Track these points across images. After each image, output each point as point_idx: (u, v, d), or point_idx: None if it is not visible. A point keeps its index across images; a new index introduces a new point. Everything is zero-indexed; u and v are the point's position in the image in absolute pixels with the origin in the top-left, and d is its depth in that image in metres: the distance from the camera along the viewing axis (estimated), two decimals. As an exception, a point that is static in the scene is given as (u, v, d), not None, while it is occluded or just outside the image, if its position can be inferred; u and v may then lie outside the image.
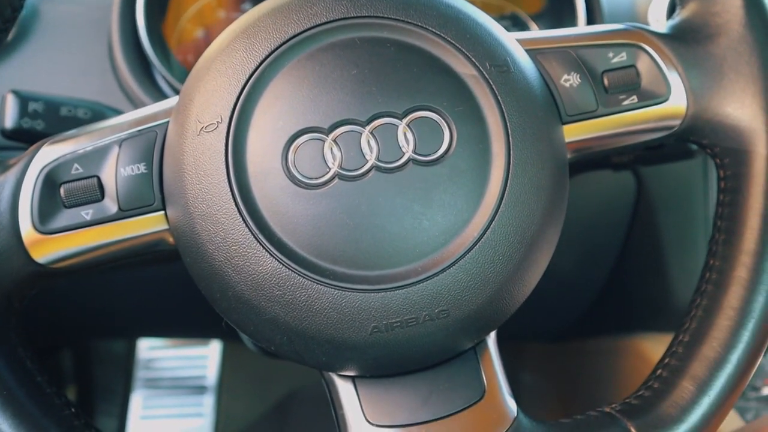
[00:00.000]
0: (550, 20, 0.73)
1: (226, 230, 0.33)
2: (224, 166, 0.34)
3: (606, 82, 0.39)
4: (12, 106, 0.49)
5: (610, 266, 0.77)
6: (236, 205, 0.33)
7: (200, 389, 1.18)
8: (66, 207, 0.36)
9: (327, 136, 0.34)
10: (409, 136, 0.34)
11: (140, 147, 0.36)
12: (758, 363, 0.37)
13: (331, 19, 0.35)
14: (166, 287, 0.78)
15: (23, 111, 0.49)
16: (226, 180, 0.33)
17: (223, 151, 0.34)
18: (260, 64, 0.35)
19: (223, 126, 0.34)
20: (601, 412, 0.38)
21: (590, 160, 0.42)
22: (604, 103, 0.39)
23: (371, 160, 0.34)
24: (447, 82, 0.35)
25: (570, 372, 1.04)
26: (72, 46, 0.64)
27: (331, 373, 0.38)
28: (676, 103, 0.40)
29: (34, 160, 0.36)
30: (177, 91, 0.63)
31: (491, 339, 0.39)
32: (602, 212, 0.74)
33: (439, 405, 0.37)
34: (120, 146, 0.36)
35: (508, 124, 0.35)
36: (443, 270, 0.33)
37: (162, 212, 0.36)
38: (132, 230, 0.36)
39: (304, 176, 0.34)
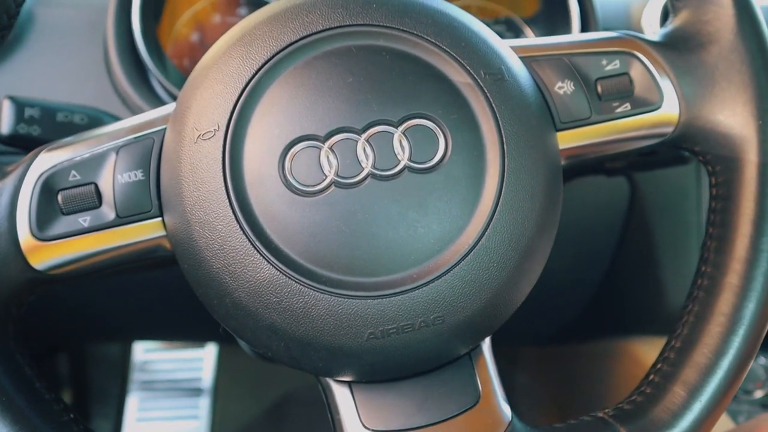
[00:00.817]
0: (545, 25, 0.73)
1: (224, 237, 0.34)
2: (221, 174, 0.34)
3: (599, 89, 0.40)
4: (8, 112, 0.49)
5: (604, 270, 0.78)
6: (233, 212, 0.34)
7: (196, 392, 1.18)
8: (64, 214, 0.36)
9: (323, 143, 0.34)
10: (405, 143, 0.34)
11: (137, 154, 0.37)
12: (748, 368, 0.38)
13: (327, 27, 0.35)
14: (162, 290, 0.78)
15: (19, 117, 0.49)
16: (224, 187, 0.34)
17: (220, 159, 0.34)
18: (257, 72, 0.35)
19: (220, 134, 0.34)
20: (594, 417, 0.39)
21: (584, 166, 0.42)
22: (598, 111, 0.39)
23: (367, 167, 0.34)
24: (442, 90, 0.35)
25: (564, 375, 1.04)
26: (67, 51, 0.64)
27: (327, 379, 0.38)
28: (669, 110, 0.40)
29: (31, 167, 0.37)
30: (173, 96, 0.63)
31: (486, 344, 0.39)
32: (596, 217, 0.74)
33: (434, 410, 0.37)
34: (117, 153, 0.37)
35: (502, 131, 0.35)
36: (438, 277, 0.34)
37: (159, 219, 0.36)
38: (129, 237, 0.37)
39: (300, 184, 0.34)
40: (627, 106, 0.40)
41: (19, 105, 0.49)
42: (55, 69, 0.63)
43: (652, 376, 0.39)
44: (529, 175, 0.35)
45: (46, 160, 0.37)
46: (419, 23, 0.36)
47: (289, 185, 0.34)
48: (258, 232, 0.34)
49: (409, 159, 0.34)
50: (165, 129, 0.37)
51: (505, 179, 0.35)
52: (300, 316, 0.33)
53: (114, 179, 0.36)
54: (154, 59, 0.63)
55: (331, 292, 0.33)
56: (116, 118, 0.56)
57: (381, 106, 0.34)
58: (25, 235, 0.36)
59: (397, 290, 0.33)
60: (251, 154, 0.34)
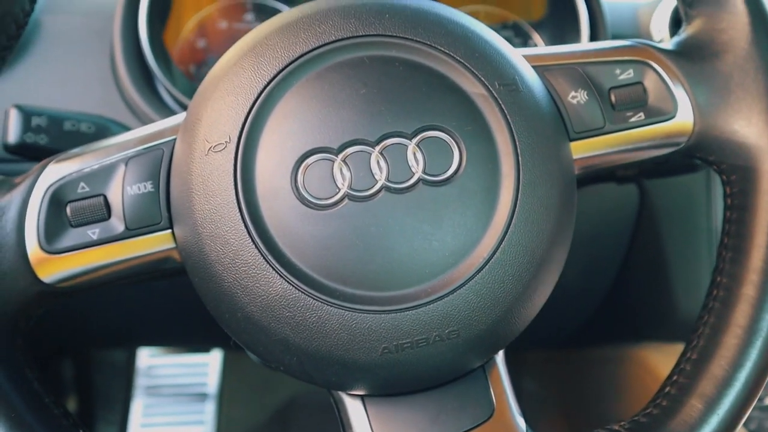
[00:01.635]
0: (552, 29, 0.73)
1: (235, 251, 0.33)
2: (233, 187, 0.34)
3: (613, 98, 0.39)
4: (15, 121, 0.49)
5: (613, 276, 0.78)
6: (245, 225, 0.33)
7: (201, 396, 1.18)
8: (72, 226, 0.36)
9: (336, 156, 0.34)
10: (419, 156, 0.34)
11: (147, 165, 0.36)
12: (766, 381, 0.37)
13: (340, 38, 0.35)
14: (167, 297, 0.78)
15: (26, 126, 0.49)
16: (235, 200, 0.33)
17: (232, 172, 0.34)
18: (268, 83, 0.35)
19: (232, 146, 0.34)
20: (610, 429, 0.38)
21: (597, 175, 0.42)
22: (612, 120, 0.39)
23: (381, 180, 0.34)
24: (456, 102, 0.35)
25: (573, 380, 1.04)
26: (74, 58, 0.64)
27: (340, 392, 0.38)
28: (683, 120, 0.40)
29: (40, 179, 0.36)
30: (179, 102, 0.63)
31: (500, 357, 0.39)
32: (606, 223, 0.74)
33: (448, 424, 0.37)
34: (126, 164, 0.36)
35: (517, 143, 0.35)
36: (453, 291, 0.33)
37: (169, 231, 0.36)
38: (139, 249, 0.36)
39: (313, 197, 0.34)
40: (641, 116, 0.39)
41: (26, 114, 0.49)
42: (62, 76, 0.63)
43: (668, 389, 0.39)
44: (544, 187, 0.35)
45: (54, 172, 0.36)
46: (433, 33, 0.36)
47: (301, 198, 0.34)
48: (270, 245, 0.33)
49: (424, 171, 0.34)
50: (174, 140, 0.37)
51: (520, 191, 0.34)
52: (313, 330, 0.33)
53: (123, 191, 0.36)
54: (160, 66, 0.62)
55: (345, 306, 0.33)
56: (123, 126, 0.56)
57: (394, 117, 0.34)
58: (33, 248, 0.35)
59: (412, 304, 0.33)
60: (263, 166, 0.34)
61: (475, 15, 0.74)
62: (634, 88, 0.40)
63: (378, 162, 0.34)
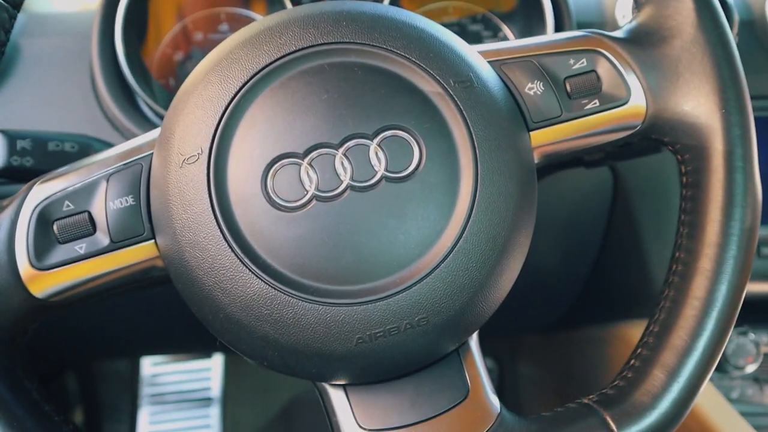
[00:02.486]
0: (521, 21, 0.74)
1: (214, 256, 0.35)
2: (207, 196, 0.35)
3: (568, 87, 0.41)
4: (0, 146, 0.51)
5: (593, 258, 0.79)
6: (221, 231, 0.35)
7: (205, 401, 1.19)
8: (60, 242, 0.37)
9: (302, 160, 0.36)
10: (381, 155, 0.36)
11: (127, 180, 0.38)
12: (723, 348, 0.39)
13: (300, 47, 0.37)
14: (165, 306, 0.80)
15: (12, 149, 0.51)
16: (210, 208, 0.35)
17: (206, 181, 0.35)
18: (235, 95, 0.36)
19: (204, 157, 0.36)
20: (579, 403, 0.40)
21: (560, 161, 0.43)
22: (568, 108, 0.41)
23: (346, 180, 0.36)
24: (414, 101, 0.37)
25: (563, 361, 1.06)
26: (55, 79, 0.65)
27: (323, 383, 0.39)
28: (636, 104, 0.41)
29: (26, 200, 0.38)
30: (160, 116, 0.64)
31: (473, 340, 0.41)
32: (582, 207, 0.75)
33: (426, 406, 0.38)
34: (108, 181, 0.38)
35: (474, 137, 0.36)
36: (420, 280, 0.35)
37: (152, 241, 0.38)
38: (124, 261, 0.38)
39: (283, 200, 0.35)
40: (596, 103, 0.41)
41: (11, 138, 0.51)
42: (43, 98, 0.64)
43: (633, 361, 0.40)
44: (502, 176, 0.36)
45: (40, 192, 0.38)
46: (388, 37, 0.37)
47: (272, 202, 0.35)
48: (246, 249, 0.35)
49: (386, 169, 0.36)
50: (152, 154, 0.38)
51: (479, 182, 0.36)
52: (291, 326, 0.35)
53: (106, 206, 0.37)
54: (139, 81, 0.64)
55: (319, 301, 0.35)
56: (106, 143, 0.58)
57: (355, 120, 0.36)
58: (24, 266, 0.37)
59: (382, 295, 0.35)
60: (234, 174, 0.36)
61: (444, 10, 0.75)
62: (587, 76, 0.41)
63: (342, 163, 0.36)
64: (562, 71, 0.41)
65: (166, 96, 0.69)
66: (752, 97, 0.41)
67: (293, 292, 0.35)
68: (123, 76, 0.64)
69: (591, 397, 0.40)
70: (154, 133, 0.40)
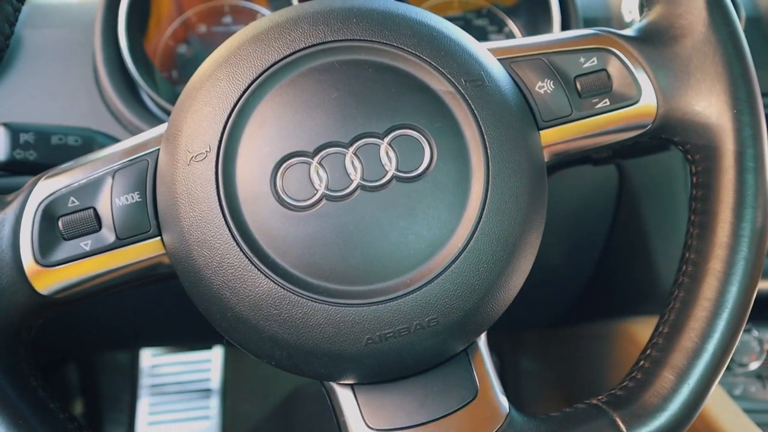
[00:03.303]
0: (526, 14, 0.74)
1: (222, 255, 0.35)
2: (215, 194, 0.35)
3: (579, 86, 0.40)
4: (4, 139, 0.50)
5: (597, 255, 0.79)
6: (230, 230, 0.35)
7: (205, 392, 1.20)
8: (65, 239, 0.37)
9: (312, 159, 0.35)
10: (391, 154, 0.35)
11: (133, 176, 0.38)
12: (734, 349, 0.39)
13: (310, 44, 0.36)
14: (167, 298, 0.80)
15: (15, 143, 0.50)
16: (219, 207, 0.35)
17: (214, 179, 0.35)
18: (244, 92, 0.36)
19: (212, 155, 0.35)
20: (588, 404, 0.40)
21: (569, 159, 0.43)
22: (578, 107, 0.40)
23: (356, 180, 0.35)
24: (425, 100, 0.36)
25: (567, 357, 1.06)
26: (58, 72, 0.65)
27: (330, 382, 0.39)
28: (647, 103, 0.41)
29: (31, 196, 0.37)
30: (163, 109, 0.64)
31: (482, 340, 0.41)
32: (587, 204, 0.75)
33: (434, 406, 0.38)
34: (113, 177, 0.37)
35: (485, 136, 0.36)
36: (431, 281, 0.35)
37: (158, 238, 0.37)
38: (130, 257, 0.38)
39: (292, 199, 0.35)
40: (606, 102, 0.41)
41: (14, 131, 0.50)
42: (46, 91, 0.64)
43: (642, 362, 0.40)
44: (513, 176, 0.36)
45: (44, 188, 0.38)
46: (399, 35, 0.37)
47: (281, 201, 0.35)
48: (254, 248, 0.35)
49: (396, 169, 0.35)
50: (158, 150, 0.38)
51: (490, 182, 0.36)
52: (300, 326, 0.35)
53: (112, 202, 0.37)
54: (142, 74, 0.64)
55: (328, 301, 0.34)
56: (109, 137, 0.57)
57: (366, 119, 0.35)
58: (29, 262, 0.37)
59: (392, 296, 0.35)
60: (243, 172, 0.35)
61: (448, 4, 0.75)
62: (598, 75, 0.41)
63: (352, 162, 0.35)
64: (573, 70, 0.41)
65: (168, 88, 0.69)
66: (762, 95, 0.41)
67: (302, 291, 0.34)
68: (126, 68, 0.64)
69: (600, 397, 0.40)
70: (161, 129, 0.39)
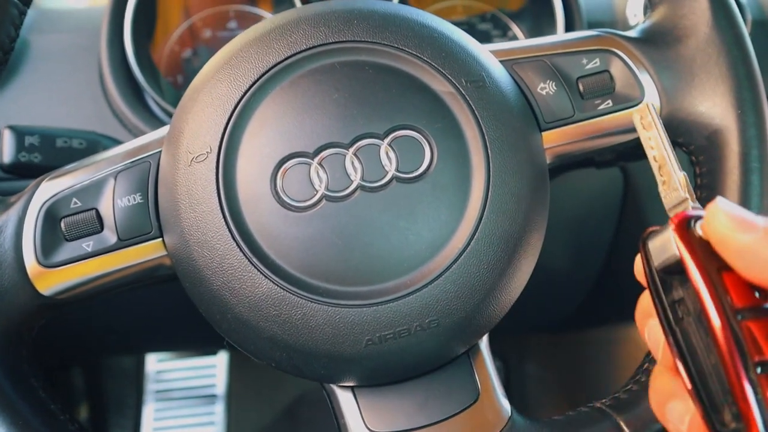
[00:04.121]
0: (530, 19, 0.74)
1: (222, 256, 0.35)
2: (216, 194, 0.35)
3: (581, 88, 0.40)
4: (9, 142, 0.50)
5: (602, 259, 0.79)
6: (230, 231, 0.35)
7: (210, 398, 1.20)
8: (67, 240, 0.37)
9: (313, 159, 0.35)
10: (392, 155, 0.35)
11: (135, 178, 0.38)
12: None
13: (311, 45, 0.37)
14: (171, 302, 0.80)
15: (20, 145, 0.51)
16: (219, 207, 0.35)
17: (215, 180, 0.35)
18: (245, 93, 0.36)
19: (213, 156, 0.35)
20: (591, 407, 0.40)
21: (572, 162, 0.43)
22: (581, 109, 0.40)
23: (356, 180, 0.35)
24: (425, 101, 0.36)
25: (573, 362, 1.05)
26: (63, 75, 0.65)
27: (331, 385, 0.39)
28: (651, 104, 0.41)
29: (34, 197, 0.38)
30: (168, 113, 0.64)
31: (483, 343, 0.40)
32: (592, 207, 0.75)
33: (435, 409, 0.38)
34: (116, 178, 0.38)
35: (486, 137, 0.36)
36: (431, 282, 0.35)
37: (160, 239, 0.37)
38: (132, 258, 0.38)
39: (292, 200, 0.35)
40: (609, 103, 0.40)
41: (19, 134, 0.51)
42: (52, 94, 0.64)
43: (646, 365, 0.40)
44: (514, 177, 0.36)
45: (47, 189, 0.38)
46: (400, 36, 0.37)
47: (281, 202, 0.35)
48: (254, 248, 0.35)
49: (397, 169, 0.35)
50: (160, 152, 0.38)
51: (490, 183, 0.36)
52: (299, 327, 0.34)
53: (114, 204, 0.37)
54: (148, 79, 0.64)
55: (328, 302, 0.34)
56: (114, 141, 0.57)
57: (366, 119, 0.35)
58: (31, 263, 0.37)
59: (392, 297, 0.34)
60: (244, 173, 0.35)
61: (453, 8, 0.75)
62: (600, 76, 0.41)
63: (352, 163, 0.35)
64: (575, 71, 0.41)
65: (174, 93, 0.69)
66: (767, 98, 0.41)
67: (302, 292, 0.34)
68: (131, 73, 0.64)
69: (604, 401, 0.40)
70: (163, 131, 0.40)
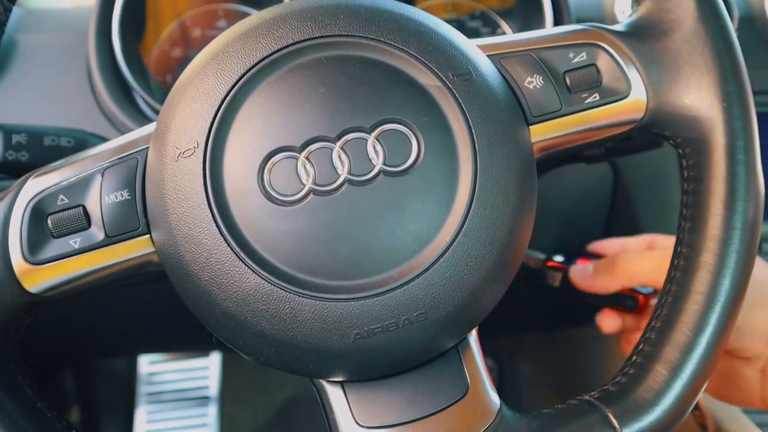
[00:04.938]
0: (520, 17, 0.74)
1: (209, 251, 0.35)
2: (203, 190, 0.35)
3: (568, 81, 0.40)
4: (-4, 140, 0.50)
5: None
6: (217, 226, 0.35)
7: (203, 400, 1.19)
8: (54, 237, 0.37)
9: (300, 153, 0.35)
10: (379, 148, 0.35)
11: (122, 174, 0.38)
12: (726, 344, 0.39)
13: (297, 40, 0.36)
14: (163, 303, 0.79)
15: (7, 144, 0.50)
16: (206, 202, 0.35)
17: (201, 175, 0.35)
18: (231, 88, 0.36)
19: (200, 151, 0.35)
20: (580, 400, 0.40)
21: (560, 156, 0.43)
22: (568, 102, 0.40)
23: (343, 174, 0.35)
24: (412, 94, 0.36)
25: (565, 359, 1.05)
26: (52, 74, 0.65)
27: (320, 380, 0.39)
28: (637, 98, 0.41)
29: (20, 194, 0.37)
30: (157, 113, 0.64)
31: (473, 336, 0.40)
32: (582, 203, 0.75)
33: (424, 404, 0.38)
34: (103, 175, 0.37)
35: (473, 130, 0.36)
36: (418, 275, 0.35)
37: (147, 236, 0.37)
38: (120, 255, 0.37)
39: (280, 194, 0.35)
40: (596, 97, 0.41)
41: (6, 132, 0.50)
42: (41, 93, 0.64)
43: (635, 357, 0.40)
44: (501, 171, 0.36)
45: (34, 186, 0.38)
46: (386, 30, 0.37)
47: (269, 196, 0.35)
48: (242, 243, 0.35)
49: (384, 163, 0.35)
50: (147, 148, 0.38)
51: (478, 176, 0.36)
52: (287, 321, 0.34)
53: (101, 200, 0.37)
54: (136, 77, 0.64)
55: (316, 296, 0.34)
56: (102, 139, 0.57)
57: (353, 113, 0.35)
58: (18, 261, 0.37)
59: (379, 291, 0.34)
60: (231, 168, 0.35)
61: (442, 6, 0.75)
62: (587, 70, 0.41)
63: (339, 157, 0.35)
64: (562, 65, 0.41)
65: (163, 93, 0.69)
66: (753, 93, 0.41)
67: (289, 287, 0.34)
68: (120, 73, 0.64)
69: (592, 393, 0.40)
70: (151, 127, 0.40)
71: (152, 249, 0.37)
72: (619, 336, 0.69)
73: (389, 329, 0.35)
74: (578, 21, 0.70)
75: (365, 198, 0.35)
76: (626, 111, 0.41)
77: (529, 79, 0.40)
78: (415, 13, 0.39)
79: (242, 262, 0.34)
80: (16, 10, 0.66)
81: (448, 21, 0.73)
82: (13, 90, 0.64)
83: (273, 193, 0.35)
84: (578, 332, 1.00)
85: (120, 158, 0.38)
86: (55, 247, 0.37)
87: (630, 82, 0.41)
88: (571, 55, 0.41)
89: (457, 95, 0.36)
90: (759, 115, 0.42)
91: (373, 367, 0.37)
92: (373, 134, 0.36)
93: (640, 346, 0.40)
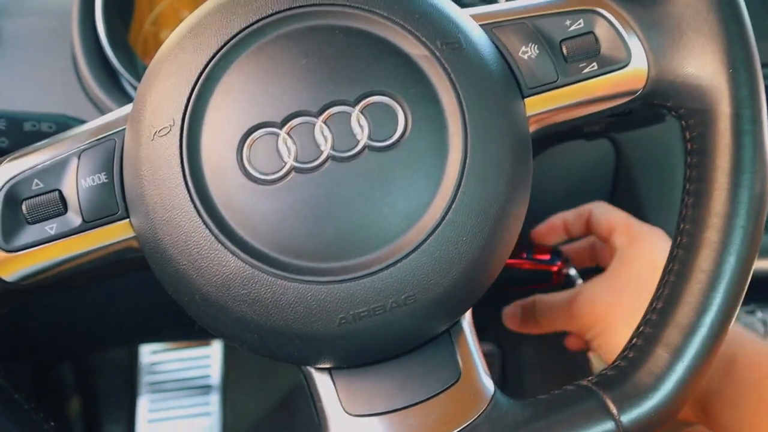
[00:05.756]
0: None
1: (188, 233, 0.33)
2: (180, 170, 0.33)
3: (565, 50, 0.39)
4: (-27, 126, 0.49)
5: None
6: (195, 207, 0.33)
7: (205, 389, 1.19)
8: (29, 223, 0.36)
9: (280, 129, 0.34)
10: (363, 122, 0.34)
11: (100, 156, 0.36)
12: (731, 324, 0.37)
13: (277, 10, 0.35)
14: (163, 292, 0.78)
15: None
16: (183, 183, 0.33)
17: (178, 155, 0.34)
18: (209, 62, 0.34)
19: (176, 129, 0.34)
20: (577, 385, 0.38)
21: (559, 130, 0.41)
22: (564, 73, 0.38)
23: (326, 150, 0.34)
24: (398, 65, 0.34)
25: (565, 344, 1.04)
26: (35, 59, 0.63)
27: (307, 367, 0.38)
28: (637, 66, 0.39)
29: None
30: (145, 96, 0.63)
31: (466, 321, 0.39)
32: (584, 182, 0.74)
33: (415, 390, 0.37)
34: (79, 157, 0.36)
35: (463, 102, 0.34)
36: (406, 255, 0.33)
37: (127, 220, 0.36)
38: (98, 241, 0.36)
39: (260, 172, 0.33)
40: (594, 66, 0.39)
41: (-16, 118, 0.49)
42: (24, 78, 0.63)
43: (635, 340, 0.38)
44: (493, 144, 0.34)
45: (7, 170, 0.36)
46: None
47: (248, 175, 0.33)
48: (221, 225, 0.33)
49: (369, 138, 0.34)
50: (125, 129, 0.37)
51: (468, 150, 0.34)
52: (269, 306, 0.33)
53: (78, 184, 0.36)
54: (122, 61, 0.62)
55: (299, 279, 0.33)
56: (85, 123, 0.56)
57: (336, 85, 0.34)
58: None
59: (365, 272, 0.33)
60: (208, 146, 0.34)
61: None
62: (585, 38, 0.39)
63: (322, 132, 0.34)
64: (558, 33, 0.39)
65: (150, 76, 0.67)
66: (763, 65, 0.39)
67: (271, 269, 0.33)
68: (105, 56, 0.62)
69: (590, 378, 0.38)
70: (129, 108, 0.38)
71: (132, 234, 0.36)
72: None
73: (376, 313, 0.33)
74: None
75: (349, 175, 0.33)
76: (626, 81, 0.39)
77: (523, 48, 0.38)
78: None
79: (221, 244, 0.33)
80: (-4, -6, 0.65)
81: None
82: None
83: (253, 172, 0.33)
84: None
85: (97, 140, 0.37)
86: (30, 233, 0.36)
87: (630, 50, 0.39)
88: (568, 22, 0.39)
89: (446, 65, 0.35)
90: (767, 89, 0.40)
91: (360, 352, 0.35)
92: (358, 107, 0.34)
93: (641, 328, 0.38)
